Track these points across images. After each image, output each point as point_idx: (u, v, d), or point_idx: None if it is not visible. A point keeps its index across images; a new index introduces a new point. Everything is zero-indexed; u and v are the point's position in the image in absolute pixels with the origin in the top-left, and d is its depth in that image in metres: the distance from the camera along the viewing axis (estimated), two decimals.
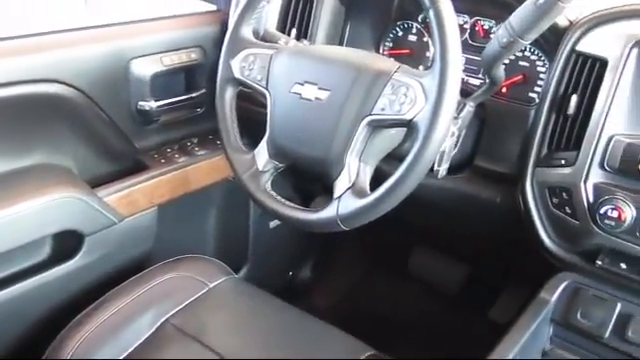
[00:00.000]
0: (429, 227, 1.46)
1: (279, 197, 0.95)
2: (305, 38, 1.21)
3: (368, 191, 0.86)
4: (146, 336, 1.01)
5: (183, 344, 0.99)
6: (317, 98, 0.88)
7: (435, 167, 0.95)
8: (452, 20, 0.79)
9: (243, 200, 1.49)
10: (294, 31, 1.23)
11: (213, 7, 1.40)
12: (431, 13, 0.79)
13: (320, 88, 0.88)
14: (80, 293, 1.16)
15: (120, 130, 1.24)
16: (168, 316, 1.05)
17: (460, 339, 1.49)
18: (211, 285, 1.12)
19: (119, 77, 1.19)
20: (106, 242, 1.17)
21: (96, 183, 1.19)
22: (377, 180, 0.85)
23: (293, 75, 0.91)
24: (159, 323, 1.03)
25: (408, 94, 0.81)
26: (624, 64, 0.90)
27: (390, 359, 1.01)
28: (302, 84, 0.89)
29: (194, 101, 1.33)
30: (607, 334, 0.95)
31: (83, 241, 1.13)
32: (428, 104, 0.78)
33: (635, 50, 0.90)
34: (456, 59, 0.78)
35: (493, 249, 1.35)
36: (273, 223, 1.63)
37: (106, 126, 1.21)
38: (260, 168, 0.96)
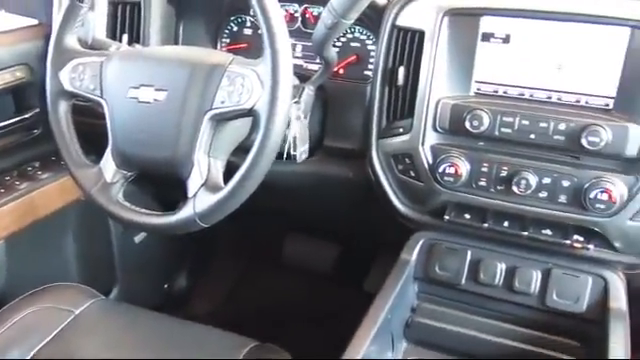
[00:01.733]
0: (295, 213, 1.49)
1: (133, 206, 0.92)
2: (138, 42, 1.18)
3: (222, 185, 0.86)
4: None
5: None
6: (155, 100, 0.86)
7: (292, 152, 0.97)
8: (274, 7, 0.81)
9: (101, 219, 1.42)
10: (125, 37, 1.20)
11: (34, 21, 1.32)
12: (253, 2, 0.81)
13: (157, 89, 0.86)
14: None
15: None
16: (35, 352, 0.98)
17: (339, 315, 1.54)
18: (77, 312, 1.06)
19: None
20: None
21: None
22: (231, 174, 0.86)
23: (127, 80, 0.89)
24: None
25: (245, 84, 0.82)
26: (438, 33, 0.98)
27: (274, 347, 1.02)
28: (137, 87, 0.87)
29: (28, 122, 1.25)
30: (463, 280, 1.04)
31: None
32: (265, 91, 0.81)
33: (446, 19, 0.98)
34: (284, 44, 0.81)
35: (356, 223, 1.41)
36: (138, 237, 1.57)
37: None
38: (108, 180, 0.92)
